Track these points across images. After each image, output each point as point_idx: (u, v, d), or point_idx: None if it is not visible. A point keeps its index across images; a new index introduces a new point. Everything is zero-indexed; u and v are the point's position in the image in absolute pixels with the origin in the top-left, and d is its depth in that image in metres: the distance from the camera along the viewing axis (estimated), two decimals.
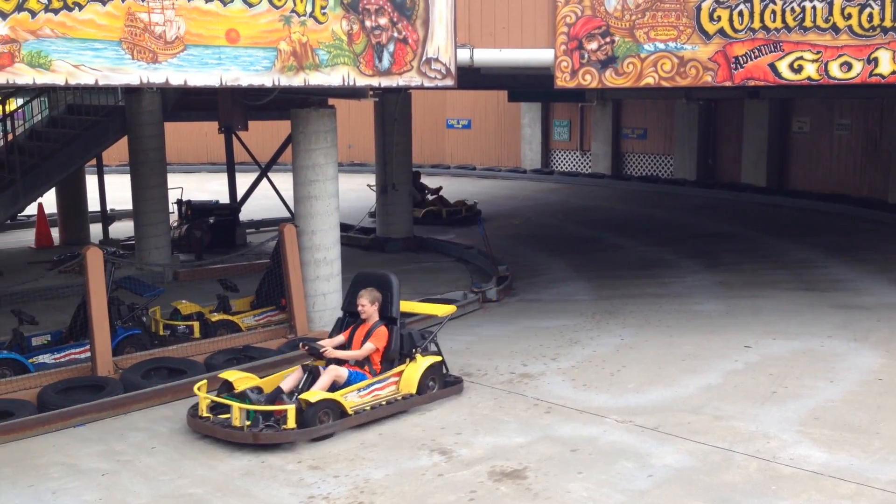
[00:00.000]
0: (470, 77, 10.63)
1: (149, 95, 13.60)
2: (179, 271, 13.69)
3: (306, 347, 8.06)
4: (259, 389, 7.59)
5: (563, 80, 9.48)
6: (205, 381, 7.86)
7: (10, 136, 13.89)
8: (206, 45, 8.04)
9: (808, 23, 9.47)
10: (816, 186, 21.06)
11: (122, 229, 17.09)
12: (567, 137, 27.22)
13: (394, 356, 8.18)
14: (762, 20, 9.46)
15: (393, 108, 15.68)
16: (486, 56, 9.51)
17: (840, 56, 9.53)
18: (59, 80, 7.48)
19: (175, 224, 15.88)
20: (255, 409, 7.24)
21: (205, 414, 7.49)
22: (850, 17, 9.45)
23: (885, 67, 9.54)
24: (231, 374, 7.90)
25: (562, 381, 8.82)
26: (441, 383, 8.31)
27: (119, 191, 18.42)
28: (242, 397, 7.41)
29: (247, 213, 17.81)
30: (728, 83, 9.62)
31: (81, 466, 6.99)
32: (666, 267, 14.09)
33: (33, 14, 7.26)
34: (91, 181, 16.77)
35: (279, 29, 8.36)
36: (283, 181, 16.02)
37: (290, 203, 12.01)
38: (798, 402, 8.12)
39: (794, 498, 6.26)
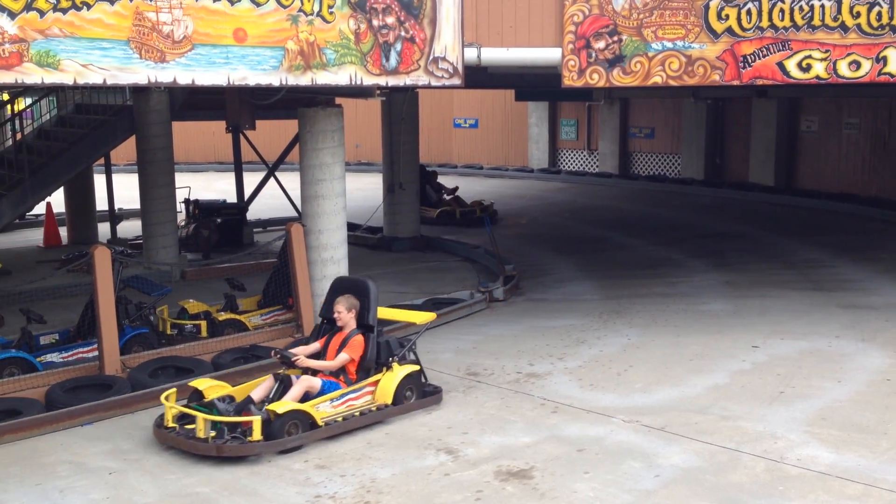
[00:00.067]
0: (477, 76, 10.62)
1: (156, 95, 13.63)
2: (187, 270, 13.71)
3: (278, 356, 7.78)
4: (230, 398, 7.41)
5: (570, 79, 9.47)
6: (174, 389, 7.59)
7: (18, 136, 13.92)
8: (213, 45, 8.05)
9: (816, 21, 9.44)
10: (825, 186, 21.00)
11: (130, 228, 17.13)
12: (574, 137, 27.19)
13: (370, 365, 7.95)
14: (770, 19, 9.43)
15: (400, 107, 15.68)
16: (494, 55, 9.50)
17: (849, 55, 9.50)
18: (67, 79, 7.50)
19: (182, 223, 15.91)
20: (219, 420, 7.04)
21: (170, 424, 7.28)
22: (858, 15, 9.42)
23: (893, 66, 9.49)
24: (202, 383, 7.68)
25: (568, 381, 8.81)
26: (419, 393, 8.07)
27: (127, 190, 18.46)
28: (210, 407, 7.21)
29: (254, 212, 17.83)
30: (736, 82, 9.59)
31: (89, 465, 7.01)
32: (673, 266, 14.07)
33: (42, 13, 7.28)
34: (99, 180, 16.81)
35: (286, 28, 8.37)
36: (291, 180, 16.04)
37: (298, 202, 12.01)
38: (805, 402, 8.10)
39: (802, 498, 6.25)
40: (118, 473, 6.86)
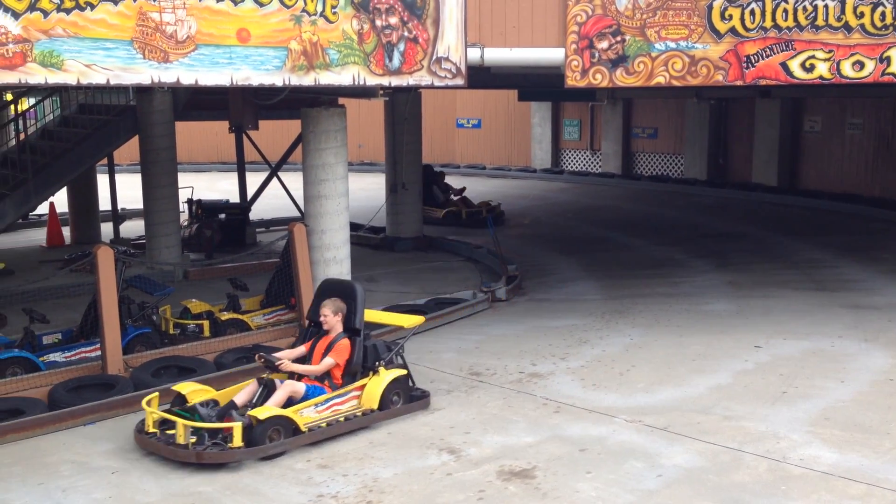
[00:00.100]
0: (480, 76, 10.63)
1: (160, 95, 13.65)
2: (190, 270, 13.73)
3: (262, 359, 7.64)
4: (213, 403, 7.29)
5: (573, 80, 9.47)
6: (155, 394, 7.45)
7: (22, 136, 13.94)
8: (217, 45, 8.06)
9: (820, 21, 9.43)
10: (828, 186, 20.98)
11: (133, 228, 17.15)
12: (577, 137, 27.18)
13: (356, 369, 7.84)
14: (774, 19, 9.43)
15: (403, 107, 15.69)
16: (497, 55, 9.50)
17: (852, 55, 9.49)
18: (70, 79, 7.51)
19: (185, 223, 15.92)
20: (199, 426, 6.90)
21: (151, 429, 7.14)
22: (862, 15, 9.41)
23: None
24: (184, 387, 7.56)
25: (571, 381, 8.81)
26: (406, 398, 7.93)
27: (130, 190, 18.48)
28: (192, 412, 7.08)
29: (257, 212, 17.85)
30: (739, 82, 9.59)
31: (91, 464, 7.02)
32: (676, 266, 14.06)
33: (45, 14, 7.29)
34: (102, 180, 16.82)
35: (290, 28, 8.38)
36: (294, 180, 16.04)
37: (301, 202, 12.02)
38: (808, 402, 8.09)
39: (804, 498, 6.24)
40: (121, 473, 6.86)
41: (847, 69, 9.53)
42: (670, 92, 21.12)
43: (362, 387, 7.79)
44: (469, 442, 7.33)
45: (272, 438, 7.01)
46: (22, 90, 15.10)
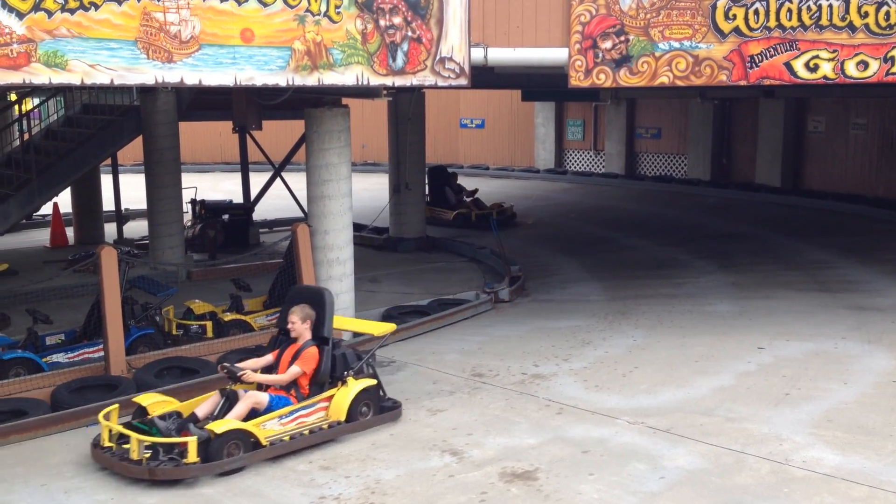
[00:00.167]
0: (484, 76, 10.62)
1: (164, 95, 13.65)
2: (193, 271, 13.73)
3: (224, 369, 7.37)
4: (176, 415, 7.06)
5: (577, 80, 9.46)
6: (115, 406, 7.23)
7: (26, 136, 13.95)
8: (220, 45, 8.05)
9: (824, 21, 9.42)
10: (832, 186, 20.95)
11: (137, 229, 17.16)
12: (581, 137, 27.16)
13: (324, 379, 7.57)
14: (778, 19, 9.42)
15: (406, 107, 15.69)
16: (500, 55, 9.50)
17: (856, 55, 9.48)
18: (74, 79, 7.51)
19: (189, 223, 15.93)
20: (153, 441, 6.68)
21: (107, 444, 6.91)
22: (866, 15, 9.39)
23: None
24: (146, 398, 7.31)
25: (574, 382, 8.80)
26: (376, 409, 7.68)
27: (133, 190, 18.50)
28: (151, 425, 6.84)
29: (260, 212, 17.86)
30: (743, 82, 9.58)
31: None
32: (679, 267, 14.04)
33: (50, 14, 7.29)
34: (106, 181, 16.85)
35: (293, 28, 8.37)
36: (297, 181, 16.05)
37: (304, 203, 12.02)
38: (811, 404, 8.08)
39: (807, 500, 6.23)
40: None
41: (851, 69, 9.51)
42: (674, 92, 21.06)
43: (330, 397, 7.53)
44: (471, 443, 7.33)
45: (231, 453, 6.76)
46: (26, 90, 15.11)
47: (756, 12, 9.41)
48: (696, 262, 14.41)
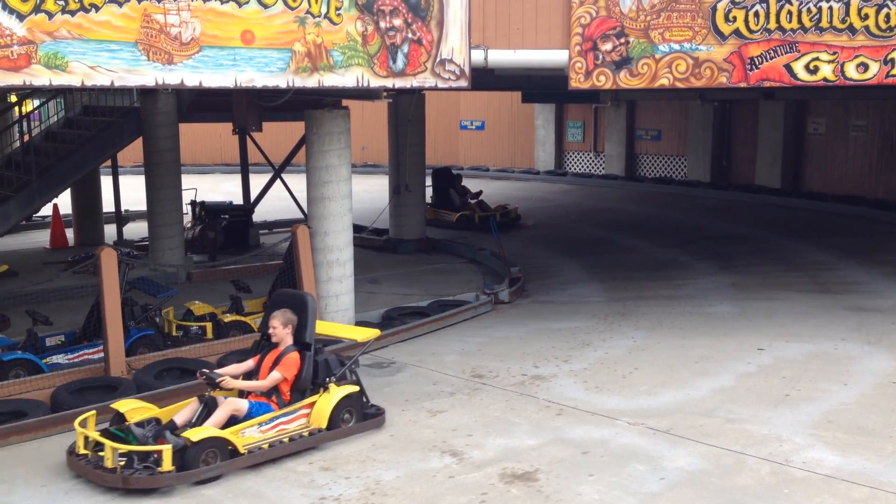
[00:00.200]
0: (484, 78, 10.62)
1: (164, 97, 13.66)
2: (193, 272, 13.73)
3: (203, 376, 7.18)
4: (155, 422, 6.91)
5: (577, 82, 9.47)
6: (93, 412, 7.15)
7: (26, 137, 13.96)
8: (221, 47, 8.06)
9: (824, 23, 9.43)
10: (831, 188, 20.96)
11: (137, 230, 17.17)
12: (581, 139, 27.18)
13: (305, 385, 7.41)
14: (778, 21, 9.43)
15: (407, 109, 15.69)
16: (501, 57, 9.51)
17: (856, 57, 9.49)
18: (75, 81, 7.52)
19: (189, 225, 15.93)
20: (128, 449, 6.52)
21: (82, 451, 6.78)
22: (866, 17, 9.40)
23: None
24: (124, 405, 7.15)
25: (574, 383, 8.80)
26: (359, 416, 7.52)
27: (133, 192, 18.51)
28: (127, 432, 6.70)
29: (260, 214, 17.86)
30: (743, 84, 9.59)
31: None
32: (679, 269, 14.05)
33: (50, 15, 7.30)
34: (106, 182, 16.85)
35: (294, 30, 8.38)
36: (297, 182, 16.06)
37: (304, 204, 12.03)
38: (811, 405, 8.08)
39: (807, 501, 6.23)
40: None
41: (851, 71, 9.52)
42: (674, 94, 21.12)
43: (312, 404, 7.38)
44: (471, 444, 7.33)
45: (207, 461, 6.62)
46: (26, 92, 15.11)
47: (756, 14, 9.42)
48: (696, 263, 14.41)
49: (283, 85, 8.47)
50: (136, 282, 10.32)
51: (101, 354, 9.06)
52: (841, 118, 21.08)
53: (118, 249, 9.91)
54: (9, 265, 13.72)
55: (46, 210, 16.50)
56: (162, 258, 13.77)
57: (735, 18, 9.41)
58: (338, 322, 10.33)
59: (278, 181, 17.62)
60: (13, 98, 16.39)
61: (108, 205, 16.96)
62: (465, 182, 19.66)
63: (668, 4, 9.36)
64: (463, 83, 9.28)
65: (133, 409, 7.13)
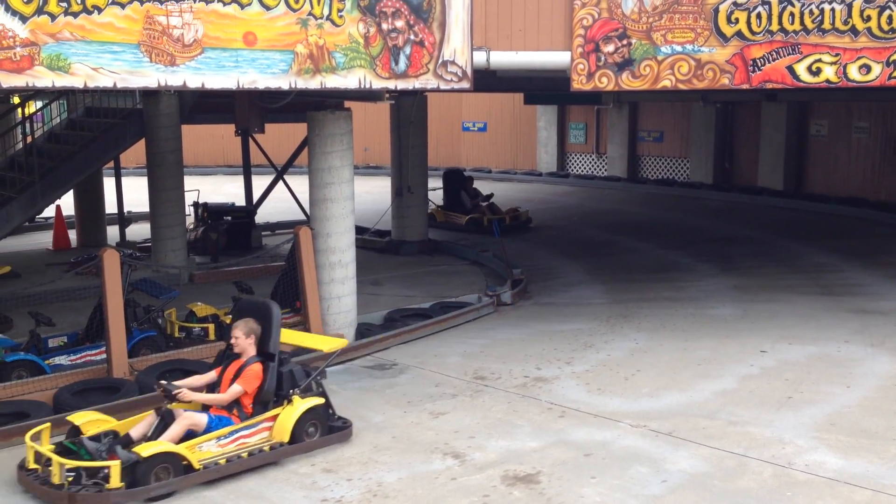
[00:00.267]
0: (486, 80, 10.62)
1: (166, 98, 13.67)
2: (195, 273, 13.74)
3: (160, 387, 6.93)
4: (112, 435, 6.72)
5: (579, 83, 9.47)
6: (47, 425, 6.91)
7: (29, 139, 13.97)
8: (223, 48, 8.07)
9: (826, 25, 9.42)
10: (834, 190, 20.94)
11: (139, 231, 17.18)
12: (583, 140, 27.18)
13: (268, 398, 7.18)
14: (780, 22, 9.42)
15: (409, 110, 15.70)
16: (503, 59, 9.50)
17: (859, 58, 9.48)
18: (77, 82, 7.53)
19: (191, 226, 15.94)
20: (75, 465, 6.31)
21: (32, 465, 6.55)
22: (869, 19, 9.40)
23: None
24: (80, 417, 6.94)
25: (576, 385, 8.80)
26: (324, 429, 7.28)
27: (136, 193, 18.50)
28: (80, 446, 6.50)
29: (262, 215, 17.87)
30: (745, 86, 9.58)
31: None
32: (681, 271, 14.04)
33: (53, 17, 7.31)
34: (109, 183, 16.86)
35: (296, 32, 8.39)
36: (300, 184, 16.06)
37: (306, 205, 12.03)
38: (814, 407, 8.07)
39: None
40: None
41: (854, 73, 9.52)
42: (676, 95, 21.11)
43: (275, 417, 7.15)
44: (473, 446, 7.32)
45: (159, 477, 6.37)
46: (29, 93, 15.13)
47: (758, 16, 9.41)
48: (698, 265, 14.40)
49: (285, 86, 8.47)
50: (138, 283, 10.32)
51: (104, 356, 9.06)
52: (843, 120, 21.07)
53: (121, 251, 9.91)
54: (11, 266, 13.73)
55: (49, 211, 16.51)
56: (164, 259, 13.77)
57: (737, 20, 9.40)
58: (340, 323, 10.35)
59: (281, 183, 17.63)
60: (16, 100, 16.41)
61: (110, 206, 16.97)
62: None
63: (670, 6, 9.36)
64: (465, 85, 9.28)
65: (89, 421, 6.90)
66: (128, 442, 6.65)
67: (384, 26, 8.79)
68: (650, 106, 25.20)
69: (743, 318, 11.18)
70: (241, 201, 17.90)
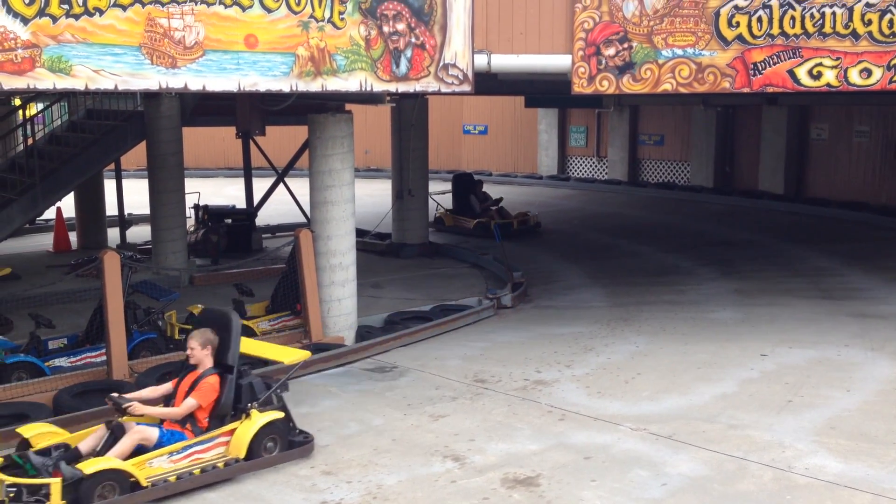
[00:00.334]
0: (487, 83, 10.64)
1: (167, 100, 13.69)
2: (195, 276, 13.75)
3: (110, 401, 6.68)
4: (63, 448, 6.45)
5: (580, 86, 9.48)
6: None
7: (30, 141, 13.99)
8: (224, 51, 8.08)
9: (827, 29, 9.43)
10: (835, 194, 20.94)
11: (140, 233, 17.19)
12: (584, 143, 27.19)
13: (225, 411, 6.89)
14: (781, 26, 9.43)
15: (410, 113, 15.71)
16: (504, 62, 9.51)
17: (860, 62, 9.49)
18: (79, 84, 7.53)
19: (192, 228, 15.95)
20: (13, 481, 5.98)
21: None
22: (870, 23, 9.40)
23: None
24: (30, 429, 6.64)
25: (576, 389, 8.80)
26: (284, 444, 6.98)
27: (137, 195, 18.51)
28: (27, 460, 6.19)
29: (263, 217, 17.87)
30: (746, 89, 9.58)
31: None
32: (682, 274, 14.04)
33: (54, 19, 7.32)
34: (109, 185, 16.88)
35: (297, 34, 8.40)
36: (300, 186, 16.07)
37: (307, 208, 12.04)
38: (814, 411, 8.07)
39: None
40: None
41: (854, 77, 9.52)
42: (677, 99, 21.12)
43: (232, 431, 6.86)
44: (473, 449, 7.32)
45: (103, 496, 6.06)
46: (30, 95, 15.14)
47: (759, 20, 9.42)
48: (698, 268, 14.40)
49: (286, 89, 8.48)
50: (138, 285, 10.33)
51: (104, 358, 9.07)
52: (844, 124, 21.08)
53: (121, 253, 9.92)
54: (12, 268, 13.72)
55: (50, 213, 16.53)
56: (165, 261, 13.78)
57: (738, 24, 9.41)
58: (340, 326, 10.35)
59: (281, 185, 17.64)
60: (17, 101, 16.43)
61: (111, 208, 16.98)
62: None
63: (671, 9, 9.37)
64: (466, 88, 9.28)
65: (40, 433, 6.62)
66: (76, 456, 6.37)
67: (385, 29, 8.80)
68: (651, 109, 25.21)
69: (743, 321, 11.18)
70: (241, 203, 17.91)
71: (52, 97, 15.63)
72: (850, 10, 9.38)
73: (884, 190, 20.28)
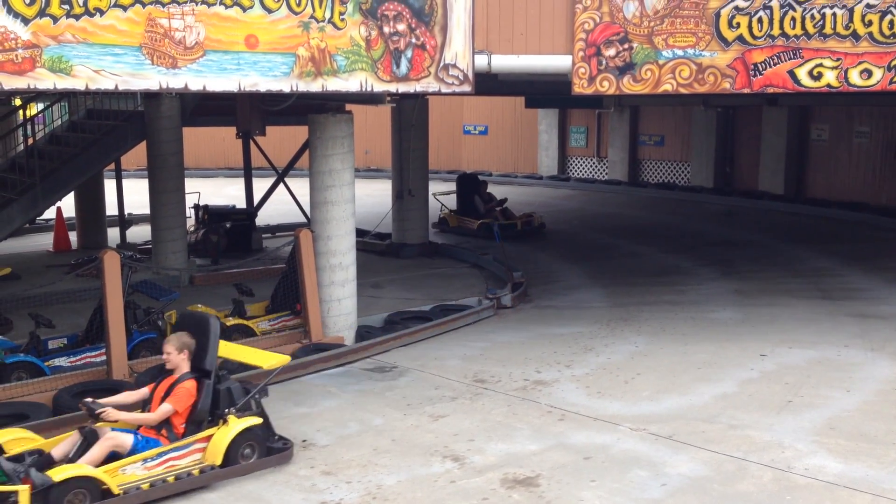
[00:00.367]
0: (487, 83, 10.64)
1: (168, 100, 13.69)
2: (195, 275, 13.75)
3: (84, 406, 6.54)
4: (37, 454, 6.30)
5: (580, 87, 9.48)
6: None
7: (30, 141, 13.99)
8: (225, 51, 8.08)
9: (828, 30, 9.43)
10: (835, 194, 20.95)
11: (140, 233, 17.20)
12: (584, 144, 27.20)
13: (202, 417, 6.77)
14: (782, 27, 9.43)
15: (410, 113, 15.71)
16: (504, 62, 9.51)
17: (860, 63, 9.49)
18: (79, 84, 7.53)
19: (192, 228, 15.95)
20: None
21: None
22: (870, 24, 9.41)
23: None
24: (3, 435, 6.51)
25: (576, 389, 8.80)
26: (262, 450, 6.86)
27: (137, 195, 18.52)
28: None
29: (263, 217, 17.88)
30: (747, 90, 9.59)
31: None
32: (682, 274, 14.04)
33: (55, 19, 7.32)
34: (109, 185, 16.88)
35: (298, 34, 8.40)
36: (300, 186, 16.07)
37: (307, 208, 12.04)
38: (814, 411, 8.07)
39: None
40: None
41: (855, 77, 9.52)
42: (677, 99, 21.13)
43: (209, 438, 6.74)
44: (473, 449, 7.32)
45: (73, 503, 5.93)
46: (30, 95, 15.15)
47: (760, 20, 9.42)
48: (698, 269, 14.41)
49: (286, 89, 8.48)
50: (138, 285, 10.33)
51: (104, 357, 9.07)
52: (844, 124, 21.08)
53: (121, 253, 9.92)
54: (12, 268, 13.72)
55: (50, 213, 16.53)
56: (165, 261, 13.78)
57: (739, 24, 9.41)
58: (340, 326, 10.36)
59: (281, 185, 17.64)
60: (17, 101, 16.43)
61: (111, 208, 16.99)
62: None
63: (671, 10, 9.37)
64: (466, 88, 9.28)
65: (13, 439, 6.52)
66: (49, 463, 6.23)
67: (386, 29, 8.80)
68: (651, 110, 25.22)
69: (743, 321, 11.18)
70: (241, 203, 17.92)
71: (52, 97, 15.64)
72: (851, 10, 9.38)
73: (884, 191, 20.29)
